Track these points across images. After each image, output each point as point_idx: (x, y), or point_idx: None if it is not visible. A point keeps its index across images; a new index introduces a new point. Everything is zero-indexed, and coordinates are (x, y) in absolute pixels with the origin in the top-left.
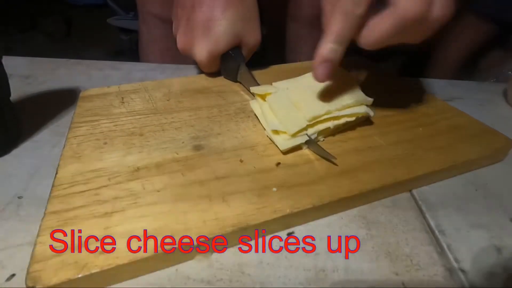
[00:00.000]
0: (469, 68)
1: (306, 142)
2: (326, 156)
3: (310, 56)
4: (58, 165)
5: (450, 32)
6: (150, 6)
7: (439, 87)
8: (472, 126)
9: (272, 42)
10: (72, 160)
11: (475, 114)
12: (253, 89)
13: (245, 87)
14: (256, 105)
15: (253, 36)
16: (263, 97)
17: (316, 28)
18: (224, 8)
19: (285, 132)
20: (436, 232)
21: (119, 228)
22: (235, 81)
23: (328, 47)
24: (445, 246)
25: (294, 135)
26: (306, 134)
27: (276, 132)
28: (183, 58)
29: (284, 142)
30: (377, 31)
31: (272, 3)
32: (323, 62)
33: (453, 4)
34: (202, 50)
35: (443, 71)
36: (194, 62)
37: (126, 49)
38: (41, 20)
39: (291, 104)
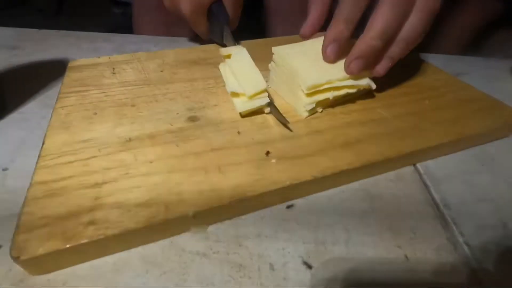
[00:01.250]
0: (476, 44)
1: (268, 105)
2: (282, 121)
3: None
4: (45, 135)
5: (458, 7)
6: None
7: (446, 62)
8: (480, 99)
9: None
10: (60, 131)
11: (482, 90)
12: (221, 50)
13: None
14: (223, 68)
15: None
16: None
17: (297, 2)
18: None
19: (244, 94)
20: (441, 206)
21: (110, 198)
22: (223, 44)
23: (338, 28)
24: (449, 220)
25: (251, 97)
26: (268, 97)
27: (236, 94)
28: (176, 30)
29: (242, 104)
30: (377, 16)
31: None
32: (332, 42)
33: None
34: (186, 3)
35: (449, 46)
36: (187, 34)
37: (120, 24)
38: None
39: (253, 66)
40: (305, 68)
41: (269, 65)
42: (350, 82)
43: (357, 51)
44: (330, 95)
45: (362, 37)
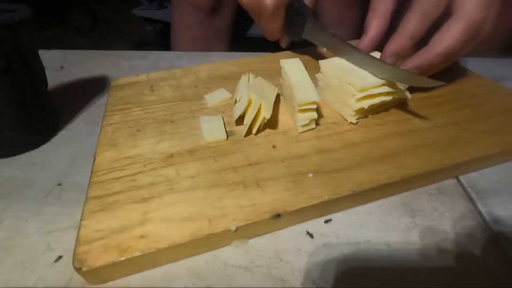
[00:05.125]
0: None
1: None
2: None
3: (348, 36)
4: (96, 152)
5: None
6: None
7: (485, 66)
8: None
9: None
10: (108, 147)
11: None
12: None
13: (313, 44)
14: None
15: None
16: None
17: (354, 8)
18: None
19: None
20: (489, 221)
21: (158, 213)
22: (300, 39)
23: (402, 42)
24: (499, 236)
25: (301, 106)
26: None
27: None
28: (214, 45)
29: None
30: (447, 36)
31: None
32: (392, 55)
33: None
34: None
35: (490, 49)
36: (224, 48)
37: (151, 39)
38: (68, 16)
39: (307, 77)
40: (355, 73)
41: (317, 75)
42: (385, 88)
43: (417, 63)
44: (377, 100)
45: (425, 50)
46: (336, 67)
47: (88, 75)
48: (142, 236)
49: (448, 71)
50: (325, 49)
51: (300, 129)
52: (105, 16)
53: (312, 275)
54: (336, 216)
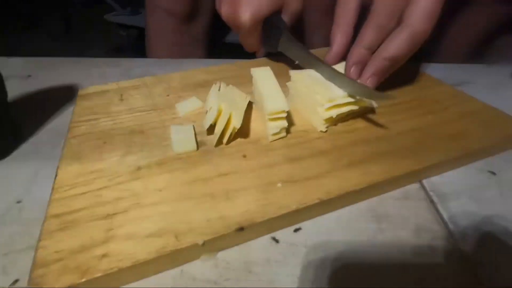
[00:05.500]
0: (479, 51)
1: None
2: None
3: (324, 43)
4: (58, 166)
5: (460, 15)
6: None
7: (447, 72)
8: (483, 111)
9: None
10: (72, 161)
11: (486, 98)
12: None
13: (287, 56)
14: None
15: (295, 1)
16: None
17: (330, 16)
18: None
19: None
20: (449, 223)
21: (122, 230)
22: (276, 51)
23: (361, 52)
24: (458, 238)
25: (271, 115)
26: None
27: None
28: (191, 51)
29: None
30: (393, 43)
31: None
32: (356, 64)
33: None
34: (245, 12)
35: (452, 55)
36: (200, 55)
37: (126, 45)
38: (41, 19)
39: (277, 86)
40: (323, 84)
41: (287, 83)
42: (353, 98)
43: (373, 70)
44: (344, 109)
45: (375, 56)
46: (306, 77)
47: (56, 83)
48: (104, 255)
49: (413, 77)
50: (297, 62)
51: (271, 138)
52: (80, 21)
53: (281, 285)
54: (305, 225)
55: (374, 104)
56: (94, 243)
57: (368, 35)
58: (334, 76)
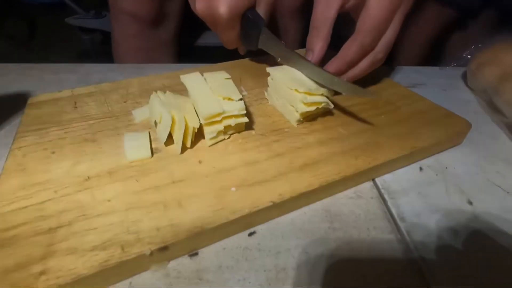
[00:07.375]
0: (433, 54)
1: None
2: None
3: (292, 46)
4: None
5: (412, 18)
6: (122, 2)
7: (402, 74)
8: (433, 111)
9: None
10: (15, 174)
11: (437, 99)
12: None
13: (268, 53)
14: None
15: None
16: None
17: (296, 20)
18: None
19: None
20: (397, 219)
21: (64, 244)
22: (256, 48)
23: (342, 68)
24: (405, 233)
25: (207, 120)
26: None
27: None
28: (158, 56)
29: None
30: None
31: None
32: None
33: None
34: (223, 6)
35: (407, 57)
36: (166, 59)
37: (89, 49)
38: (2, 23)
39: (208, 91)
40: (298, 80)
41: (268, 79)
42: (311, 99)
43: (352, 76)
44: (320, 99)
45: (334, 59)
46: (283, 73)
47: (7, 91)
48: (42, 273)
49: (370, 80)
50: (279, 59)
51: (209, 142)
52: (44, 24)
53: None
54: (260, 228)
55: (331, 105)
56: (31, 261)
57: (351, 51)
58: (315, 72)
